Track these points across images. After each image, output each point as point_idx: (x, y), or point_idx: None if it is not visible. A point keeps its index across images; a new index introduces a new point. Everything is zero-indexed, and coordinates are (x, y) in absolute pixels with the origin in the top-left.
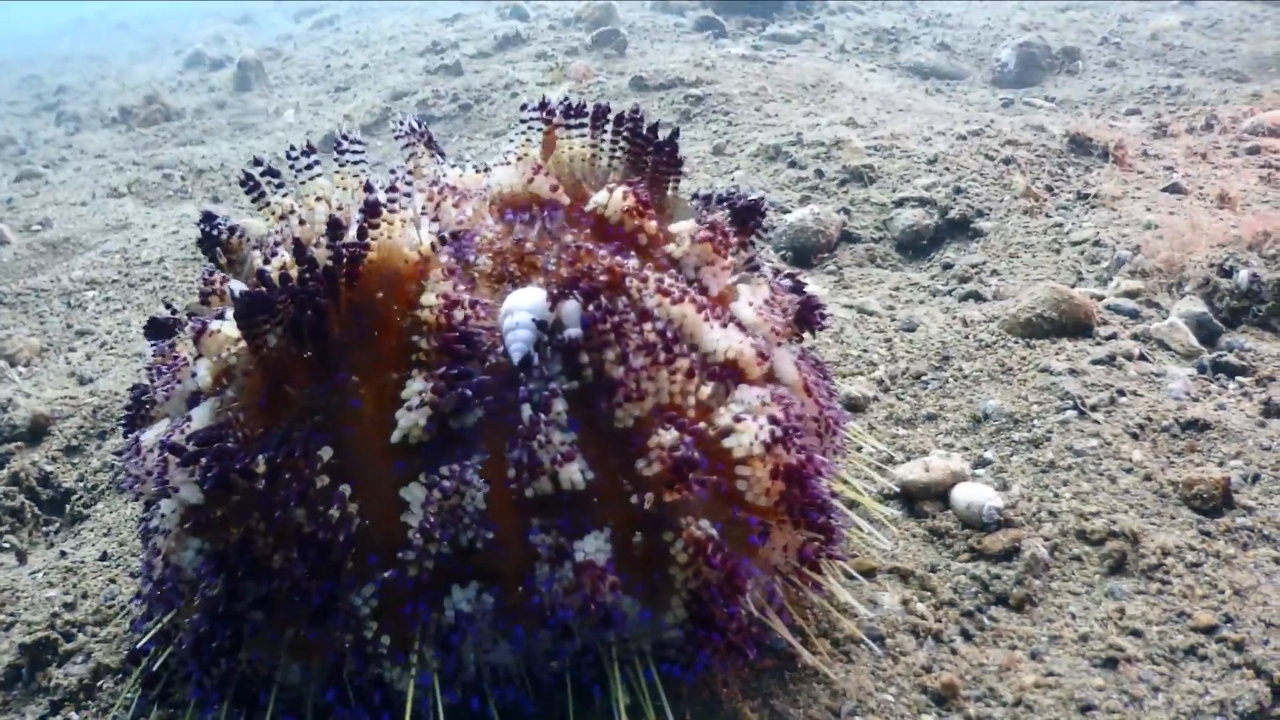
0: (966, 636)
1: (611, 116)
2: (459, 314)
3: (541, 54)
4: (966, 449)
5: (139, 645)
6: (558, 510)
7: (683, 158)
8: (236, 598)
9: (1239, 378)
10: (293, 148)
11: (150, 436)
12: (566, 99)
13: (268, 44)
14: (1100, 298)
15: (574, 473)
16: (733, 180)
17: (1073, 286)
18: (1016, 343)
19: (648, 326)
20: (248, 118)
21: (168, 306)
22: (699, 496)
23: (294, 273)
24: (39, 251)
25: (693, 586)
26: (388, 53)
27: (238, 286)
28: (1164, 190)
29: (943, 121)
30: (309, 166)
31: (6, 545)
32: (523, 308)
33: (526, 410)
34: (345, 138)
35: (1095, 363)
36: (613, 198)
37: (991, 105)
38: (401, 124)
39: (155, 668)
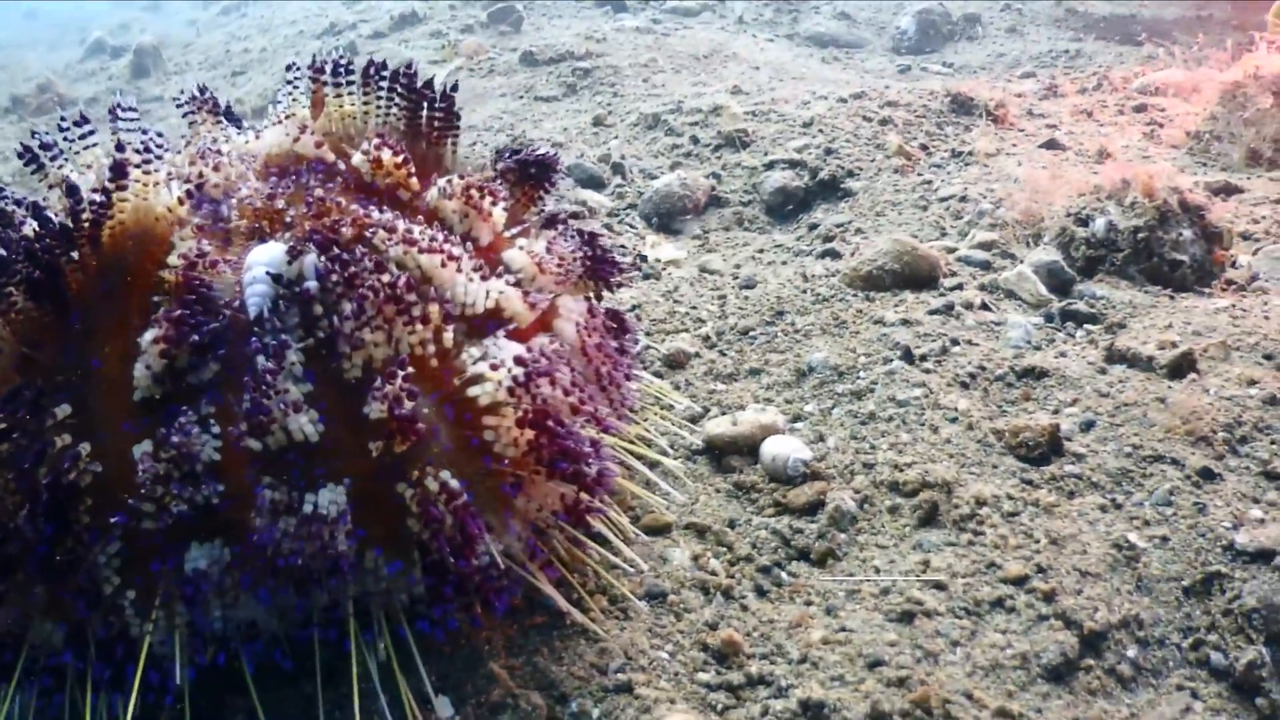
0: (760, 593)
1: (385, 74)
2: (197, 270)
3: (436, 32)
4: (789, 403)
5: None
6: (289, 463)
7: (457, 113)
8: None
9: (1087, 325)
10: (63, 118)
11: None
12: (339, 56)
13: (172, 31)
14: (954, 250)
15: (304, 423)
16: (607, 149)
17: (936, 241)
18: (855, 296)
19: (385, 277)
20: (142, 105)
21: None
22: (443, 448)
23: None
24: None
25: (424, 538)
26: (286, 36)
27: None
28: (1041, 146)
29: (830, 87)
30: (83, 136)
31: None
32: (260, 262)
33: (260, 360)
34: (119, 105)
35: (932, 313)
36: (366, 153)
37: (888, 72)
38: (182, 93)
39: None
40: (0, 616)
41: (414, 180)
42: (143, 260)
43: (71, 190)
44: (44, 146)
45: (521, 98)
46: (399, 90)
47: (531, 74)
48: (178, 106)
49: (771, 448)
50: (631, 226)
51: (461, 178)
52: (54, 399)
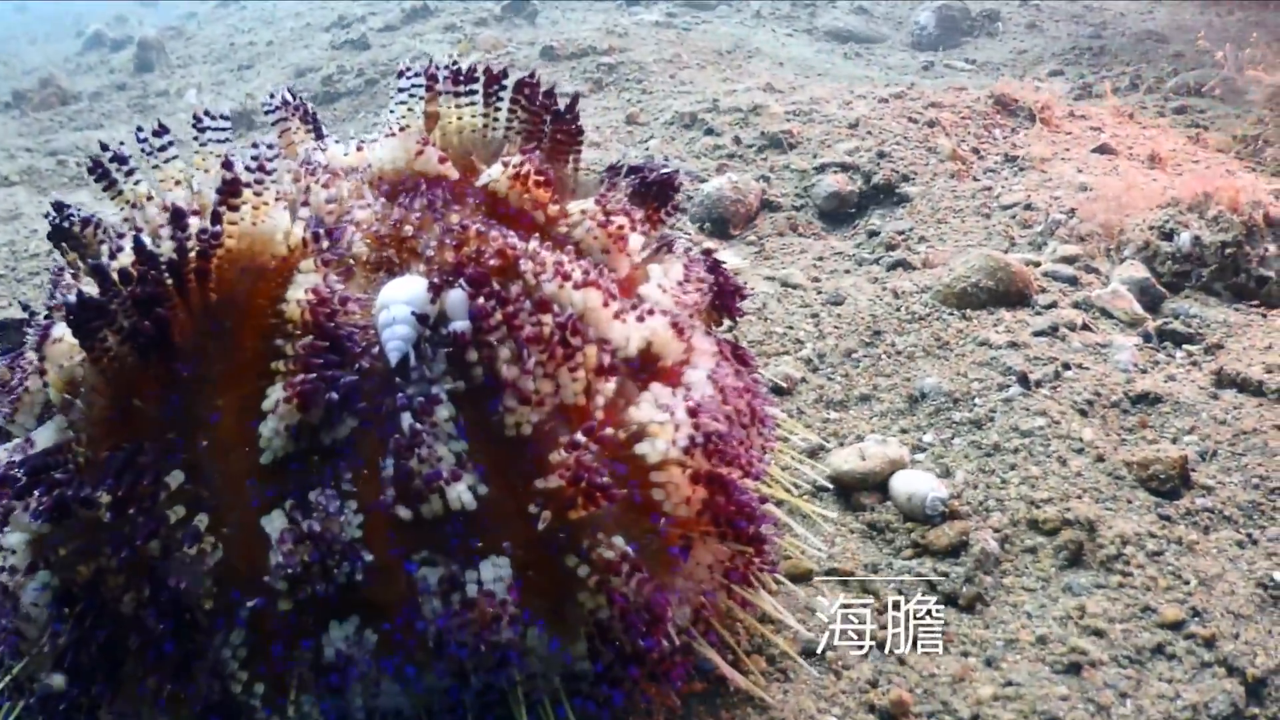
0: (914, 645)
1: (507, 82)
2: (327, 309)
3: (450, 26)
4: (904, 432)
5: None
6: (446, 534)
7: (582, 127)
8: (86, 646)
9: (1186, 346)
10: (140, 129)
11: (2, 454)
12: (455, 63)
13: (171, 23)
14: (1036, 264)
15: (462, 491)
16: (647, 149)
17: (1005, 253)
18: (951, 314)
19: (545, 318)
20: (149, 99)
21: (24, 307)
22: (608, 511)
23: (136, 271)
24: None
25: (602, 616)
26: (293, 29)
27: (87, 288)
28: (1094, 151)
29: (863, 85)
30: (163, 148)
31: None
32: (399, 300)
33: (406, 418)
34: (207, 113)
35: (1037, 334)
36: (505, 170)
37: (911, 68)
38: (272, 98)
39: None
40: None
41: (552, 200)
42: (254, 295)
43: (177, 216)
44: (117, 160)
45: None
46: (521, 101)
47: (553, 69)
48: (267, 113)
49: (905, 485)
50: (684, 233)
51: (597, 202)
52: (163, 463)
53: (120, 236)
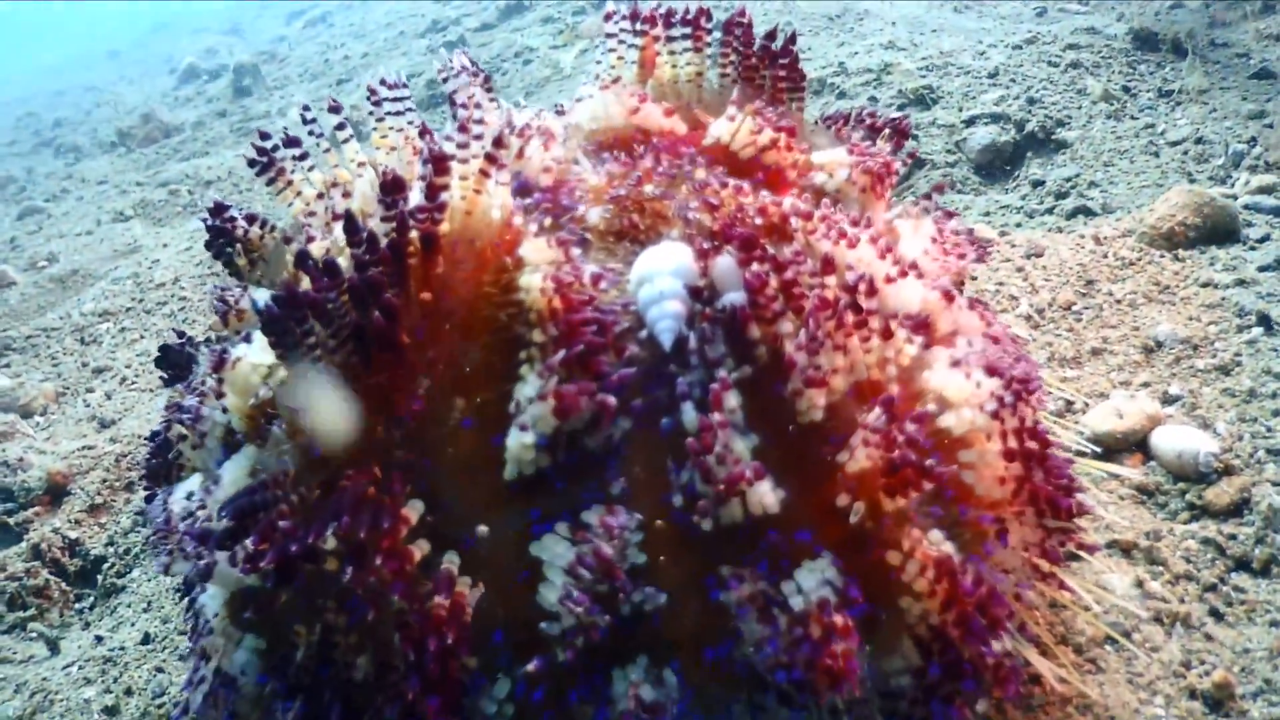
0: (1217, 616)
1: (711, 24)
2: (580, 291)
3: (548, 18)
4: (1147, 385)
5: None
6: (744, 543)
7: (804, 70)
8: None
9: None
10: (306, 107)
11: (179, 496)
12: (659, 2)
13: (262, 49)
14: (1232, 197)
15: (765, 492)
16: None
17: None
18: (1163, 255)
19: (830, 280)
20: (250, 122)
21: (179, 334)
22: (915, 500)
23: (344, 261)
24: (46, 289)
25: (934, 622)
26: (386, 39)
27: (261, 296)
28: (1251, 77)
29: (989, 36)
30: (339, 127)
31: (34, 634)
32: (665, 271)
33: (688, 411)
34: (383, 83)
35: (1263, 270)
36: (742, 122)
37: (1026, 16)
38: (450, 64)
39: None
40: None
41: (799, 154)
42: (476, 282)
43: (394, 186)
44: (286, 144)
45: None
46: (734, 44)
47: None
48: (444, 80)
49: (1170, 441)
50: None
51: (850, 150)
52: (398, 493)
53: (309, 231)
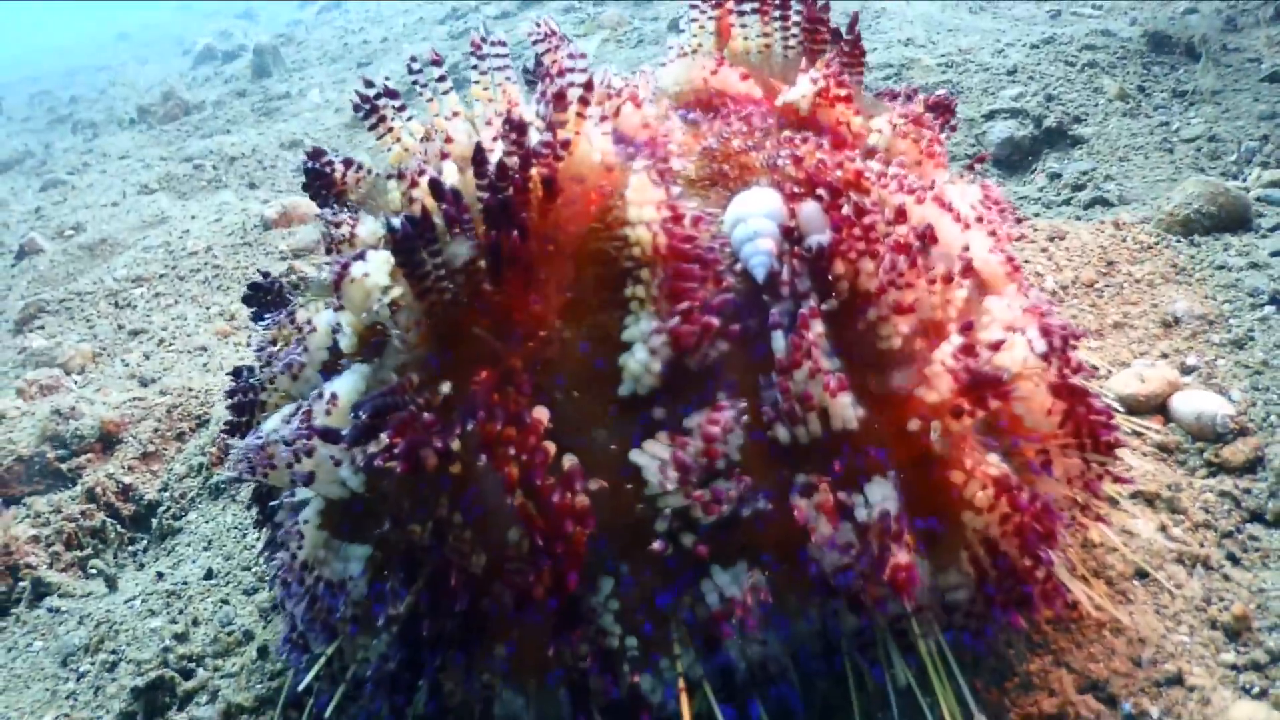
0: (1234, 560)
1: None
2: (683, 228)
3: (569, 7)
4: (1165, 356)
5: (300, 687)
6: (824, 458)
7: (864, 48)
8: (441, 612)
9: None
10: (414, 59)
11: (274, 423)
12: None
13: (278, 31)
14: (1245, 190)
15: (847, 405)
16: (861, 80)
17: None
18: (1179, 241)
19: (902, 228)
20: (271, 102)
21: (263, 274)
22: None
23: (468, 191)
24: (75, 256)
25: (993, 534)
26: (405, 24)
27: (374, 222)
28: (1263, 80)
29: (1005, 35)
30: (441, 79)
31: (93, 570)
32: (758, 213)
33: (779, 336)
34: (484, 39)
35: (1275, 254)
36: (812, 86)
37: (1040, 18)
38: (538, 26)
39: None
40: (456, 686)
41: (857, 115)
42: (582, 218)
43: (518, 127)
44: (388, 94)
45: None
46: (800, 22)
47: None
48: (534, 42)
49: (1190, 404)
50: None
51: (903, 115)
52: (523, 400)
53: (421, 168)
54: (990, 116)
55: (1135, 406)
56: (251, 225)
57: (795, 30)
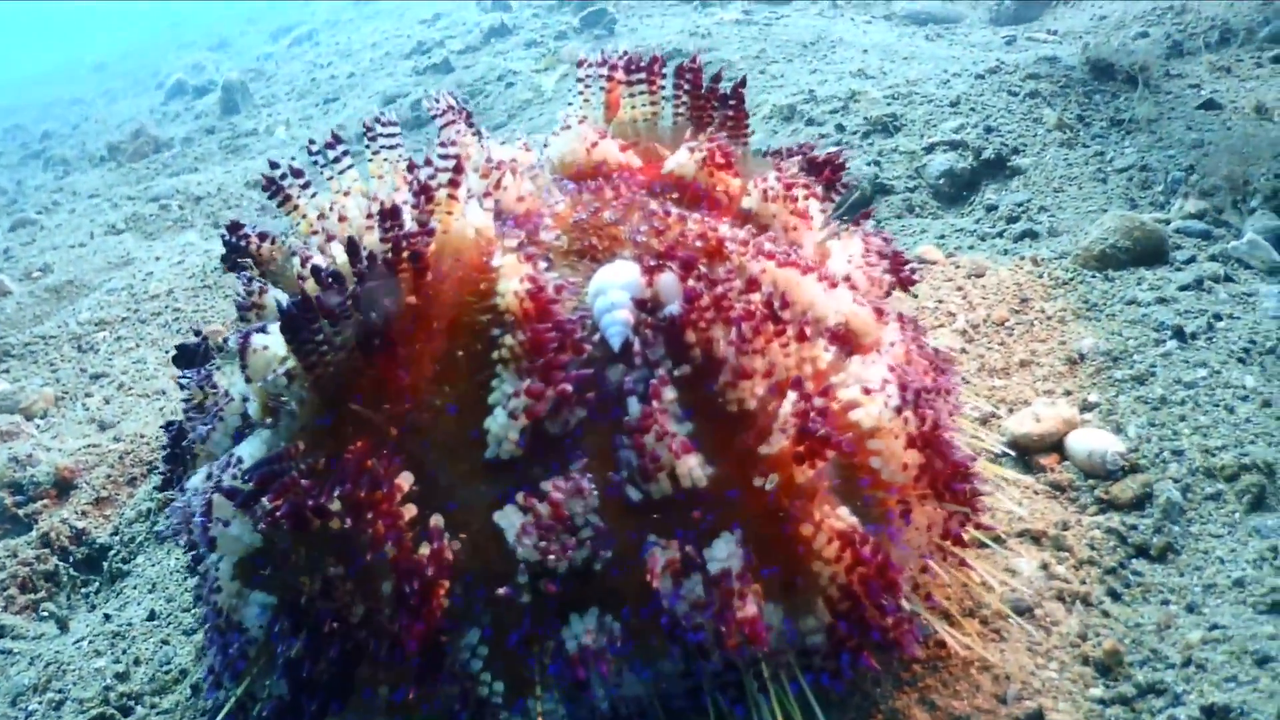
0: (1114, 596)
1: (666, 70)
2: (547, 294)
3: (531, 41)
4: (1069, 393)
5: None
6: (677, 515)
7: (747, 111)
8: (320, 658)
9: None
10: (312, 141)
11: (196, 481)
12: (625, 52)
13: (249, 65)
14: (1166, 222)
15: (693, 466)
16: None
17: (1136, 214)
18: (1094, 276)
19: (754, 296)
20: (239, 140)
21: (196, 333)
22: (830, 481)
23: (348, 274)
24: (42, 299)
25: (841, 583)
26: (372, 59)
27: (281, 296)
28: (1199, 108)
29: (954, 64)
30: (336, 160)
31: (45, 614)
32: (616, 284)
33: (634, 402)
34: (378, 120)
35: (1183, 289)
36: (693, 155)
37: (995, 45)
38: (437, 102)
39: None
40: None
41: (734, 179)
42: (460, 290)
43: (391, 214)
44: (292, 174)
45: None
46: (685, 89)
47: None
48: (434, 117)
49: (1083, 443)
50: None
51: (778, 179)
52: (392, 465)
53: (310, 249)
54: (930, 149)
55: (1030, 446)
56: (212, 268)
57: (685, 100)
